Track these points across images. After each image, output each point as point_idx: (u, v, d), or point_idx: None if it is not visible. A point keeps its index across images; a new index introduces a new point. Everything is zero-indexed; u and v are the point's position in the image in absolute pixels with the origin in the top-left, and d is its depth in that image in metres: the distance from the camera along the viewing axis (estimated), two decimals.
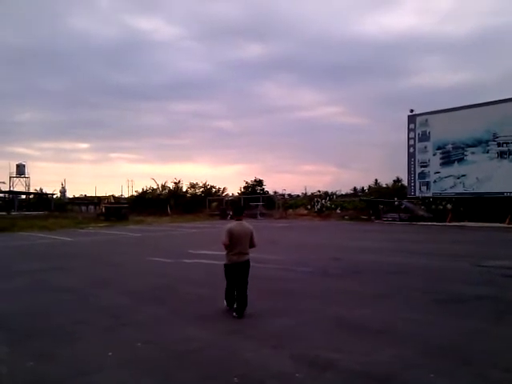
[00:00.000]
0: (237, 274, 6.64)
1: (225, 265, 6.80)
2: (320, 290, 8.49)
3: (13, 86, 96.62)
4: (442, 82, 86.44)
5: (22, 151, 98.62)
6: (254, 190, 50.34)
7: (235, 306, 6.61)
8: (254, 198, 45.45)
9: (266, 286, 8.66)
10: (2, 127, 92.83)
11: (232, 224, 6.76)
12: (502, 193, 28.14)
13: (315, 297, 7.82)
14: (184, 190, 53.55)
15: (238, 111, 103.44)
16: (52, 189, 68.39)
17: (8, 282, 9.97)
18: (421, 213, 31.93)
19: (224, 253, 6.84)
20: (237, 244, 6.60)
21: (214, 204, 48.09)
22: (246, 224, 6.86)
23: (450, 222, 28.88)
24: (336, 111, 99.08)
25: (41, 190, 60.73)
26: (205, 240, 19.20)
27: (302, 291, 8.35)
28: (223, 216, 38.57)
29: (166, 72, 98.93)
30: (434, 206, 32.71)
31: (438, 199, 32.70)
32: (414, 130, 33.86)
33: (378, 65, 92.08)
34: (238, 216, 6.95)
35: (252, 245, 6.81)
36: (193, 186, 53.56)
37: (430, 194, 33.04)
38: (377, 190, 46.83)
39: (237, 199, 46.27)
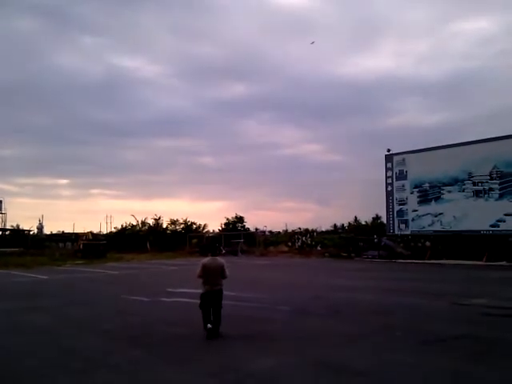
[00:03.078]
0: (211, 300, 7.67)
1: (201, 294, 7.81)
2: (301, 329, 8.38)
3: None
4: (419, 122, 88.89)
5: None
6: (234, 226, 50.01)
7: (210, 325, 7.49)
8: (235, 234, 45.15)
9: (247, 326, 8.54)
10: None
11: (206, 259, 7.98)
12: (479, 231, 28.60)
13: (297, 337, 7.71)
14: (164, 226, 52.91)
15: (219, 148, 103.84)
16: (30, 225, 66.99)
17: None
18: (399, 250, 32.16)
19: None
20: (209, 276, 7.78)
21: (195, 241, 47.53)
22: (219, 259, 8.10)
23: (428, 259, 29.07)
24: (316, 149, 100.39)
25: (17, 226, 59.18)
26: (184, 278, 18.86)
27: (283, 331, 8.23)
28: (203, 253, 38.11)
29: (148, 109, 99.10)
30: (412, 244, 32.96)
31: (417, 237, 33.03)
32: (391, 168, 34.48)
33: (358, 104, 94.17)
34: (210, 253, 8.22)
35: (224, 276, 7.92)
36: (173, 222, 52.93)
37: (408, 232, 33.36)
38: (356, 227, 47.02)
39: (217, 236, 45.89)
